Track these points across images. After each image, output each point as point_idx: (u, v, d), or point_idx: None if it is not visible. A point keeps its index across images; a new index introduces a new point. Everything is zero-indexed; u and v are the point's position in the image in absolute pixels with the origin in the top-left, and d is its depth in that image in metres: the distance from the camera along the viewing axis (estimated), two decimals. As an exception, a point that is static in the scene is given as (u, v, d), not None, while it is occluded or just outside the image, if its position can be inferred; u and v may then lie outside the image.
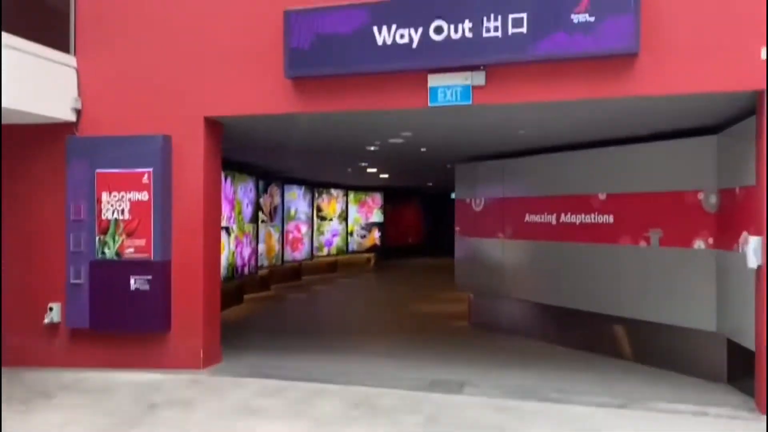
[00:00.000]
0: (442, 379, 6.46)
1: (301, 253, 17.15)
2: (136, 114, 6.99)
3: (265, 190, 14.74)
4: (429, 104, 6.13)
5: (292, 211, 16.74)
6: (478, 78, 5.98)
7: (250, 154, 10.65)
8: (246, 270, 12.75)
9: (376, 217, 21.54)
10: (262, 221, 14.57)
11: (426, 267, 21.59)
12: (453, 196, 25.85)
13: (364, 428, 4.91)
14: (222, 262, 10.96)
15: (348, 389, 6.01)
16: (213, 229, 7.25)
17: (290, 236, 16.68)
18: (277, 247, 15.41)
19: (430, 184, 19.16)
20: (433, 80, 6.09)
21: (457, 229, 10.49)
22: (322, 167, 13.13)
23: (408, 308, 12.27)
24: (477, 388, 6.15)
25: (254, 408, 5.43)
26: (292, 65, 6.35)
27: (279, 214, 15.49)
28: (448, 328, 10.15)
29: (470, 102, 6.02)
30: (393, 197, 23.04)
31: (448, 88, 6.06)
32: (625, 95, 5.74)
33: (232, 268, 11.85)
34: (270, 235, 15.06)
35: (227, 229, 11.56)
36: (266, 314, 11.70)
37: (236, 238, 12.07)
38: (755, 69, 5.36)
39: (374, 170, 13.61)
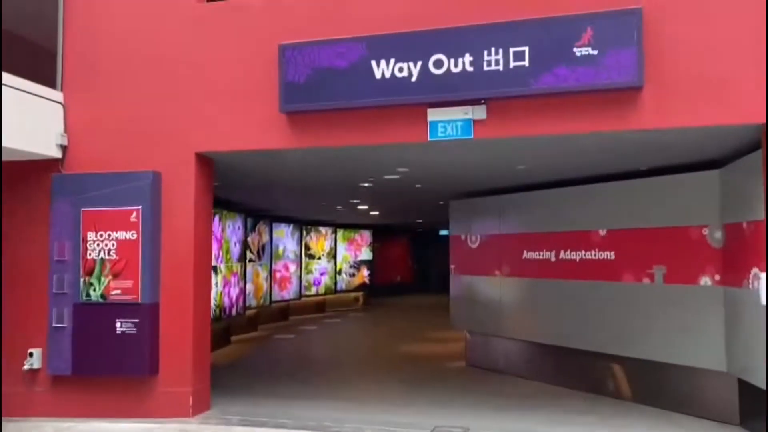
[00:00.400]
0: (444, 426, 6.16)
1: (289, 293, 16.81)
2: (125, 149, 6.77)
3: (253, 228, 14.48)
4: (428, 139, 5.98)
5: (280, 250, 16.46)
6: (479, 112, 5.85)
7: (239, 191, 10.43)
8: (234, 310, 12.39)
9: (365, 254, 21.29)
10: (250, 260, 14.27)
11: (416, 305, 21.28)
12: (443, 233, 25.91)
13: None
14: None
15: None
16: (204, 270, 6.97)
17: (278, 275, 16.35)
18: (265, 286, 15.07)
19: (420, 221, 18.99)
20: (433, 114, 5.95)
21: (452, 266, 10.27)
22: (313, 205, 12.92)
23: (401, 349, 11.95)
24: (482, 434, 5.88)
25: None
26: (288, 99, 6.19)
27: (267, 253, 15.20)
28: (444, 369, 9.85)
29: (471, 136, 5.88)
30: (382, 235, 22.83)
31: (448, 122, 5.92)
32: (629, 129, 5.63)
33: (220, 308, 11.49)
34: (258, 274, 14.74)
35: (215, 269, 11.25)
36: (255, 356, 11.32)
37: (224, 277, 11.75)
38: (759, 102, 5.28)
39: (365, 207, 13.42)
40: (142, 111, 6.78)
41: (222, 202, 11.58)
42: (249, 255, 14.22)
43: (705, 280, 6.64)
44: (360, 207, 13.38)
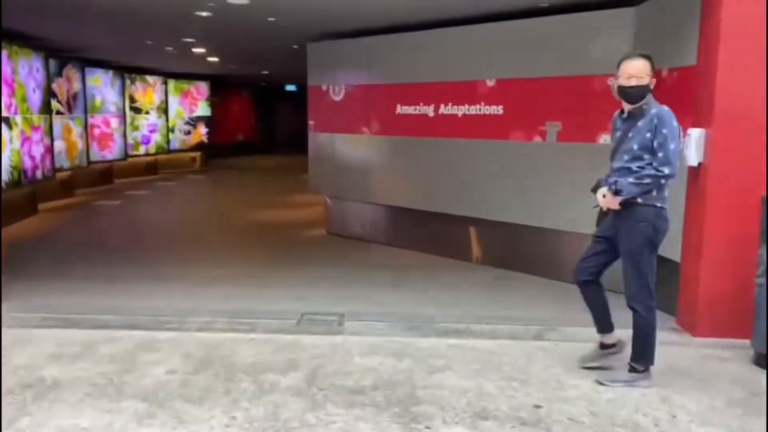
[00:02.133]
0: (315, 313, 5.02)
1: (112, 153, 14.44)
2: None
3: (59, 73, 11.75)
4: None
5: (98, 101, 13.82)
6: None
7: (34, 18, 7.91)
8: (40, 173, 10.09)
9: (202, 110, 18.95)
10: (58, 112, 11.70)
11: (262, 167, 19.72)
12: (289, 87, 23.90)
13: (225, 400, 3.35)
14: (2, 164, 8.40)
15: (189, 337, 4.35)
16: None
17: (96, 131, 13.85)
18: (80, 144, 12.63)
19: (266, 72, 16.93)
20: None
21: (310, 122, 8.82)
22: (136, 43, 10.51)
23: (249, 216, 10.58)
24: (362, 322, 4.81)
25: (52, 381, 3.61)
26: None
27: (80, 104, 12.60)
28: (303, 239, 8.71)
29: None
30: (221, 88, 20.42)
31: None
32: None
33: (18, 171, 9.20)
34: (69, 129, 12.23)
35: (7, 121, 8.82)
36: (68, 228, 9.38)
37: (21, 132, 9.33)
38: None
39: (202, 50, 11.24)
40: None
41: (13, 35, 8.90)
42: (57, 106, 11.61)
43: (605, 138, 5.87)
44: (196, 50, 11.17)
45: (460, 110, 6.99)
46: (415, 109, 7.40)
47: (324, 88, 8.49)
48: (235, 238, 8.99)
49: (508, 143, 6.61)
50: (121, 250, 7.87)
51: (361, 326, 4.60)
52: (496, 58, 6.67)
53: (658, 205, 3.48)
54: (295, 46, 10.25)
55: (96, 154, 13.79)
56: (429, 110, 7.27)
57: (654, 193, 3.46)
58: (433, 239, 7.56)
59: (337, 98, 8.32)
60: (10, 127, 8.91)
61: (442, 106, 7.14)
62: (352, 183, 8.22)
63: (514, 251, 6.88)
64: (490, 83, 6.72)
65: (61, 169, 11.74)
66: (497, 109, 6.70)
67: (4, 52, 8.80)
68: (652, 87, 3.51)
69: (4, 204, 8.77)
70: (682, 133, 3.61)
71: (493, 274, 6.74)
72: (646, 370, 3.58)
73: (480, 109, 6.82)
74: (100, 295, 5.63)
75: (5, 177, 8.74)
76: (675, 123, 3.45)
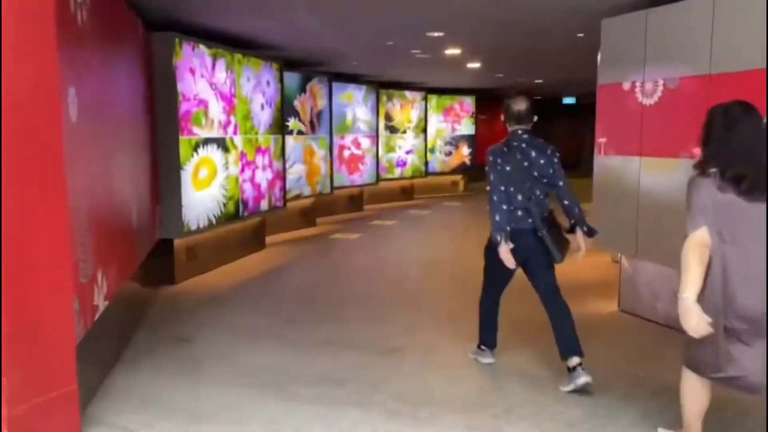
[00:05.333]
0: None
1: (362, 176, 12.92)
2: None
3: (303, 88, 10.43)
4: None
5: (348, 119, 12.40)
6: None
7: (254, 21, 6.32)
8: (266, 203, 8.68)
9: (466, 128, 16.80)
10: (300, 132, 10.38)
11: (529, 193, 16.81)
12: (567, 100, 20.67)
13: None
14: (216, 192, 7.03)
15: None
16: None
17: (345, 153, 12.43)
18: (323, 167, 11.23)
19: (540, 81, 14.10)
20: None
21: (600, 141, 5.78)
22: (375, 45, 8.58)
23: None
24: None
25: None
26: None
27: (325, 123, 11.21)
28: (578, 318, 5.68)
29: None
30: (487, 103, 18.15)
31: None
32: None
33: (236, 202, 7.79)
34: (312, 151, 10.87)
35: (222, 143, 7.44)
36: (279, 273, 7.64)
37: (242, 156, 7.94)
38: None
39: (456, 51, 8.89)
40: None
41: (236, 40, 7.55)
42: (298, 125, 10.31)
43: None
44: (449, 52, 8.87)
45: None
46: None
47: (626, 86, 5.40)
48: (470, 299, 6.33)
49: None
50: (322, 302, 5.80)
51: None
52: None
53: None
54: (581, 34, 7.32)
55: (344, 177, 12.40)
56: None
57: None
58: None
59: (649, 101, 5.17)
60: (226, 150, 7.52)
61: None
62: (678, 238, 4.98)
63: None
64: None
65: (299, 197, 10.40)
66: None
67: (221, 61, 7.44)
68: None
69: (209, 241, 7.40)
70: None
71: None
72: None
73: None
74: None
75: (216, 210, 7.35)
76: None
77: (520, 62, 10.50)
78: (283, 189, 9.25)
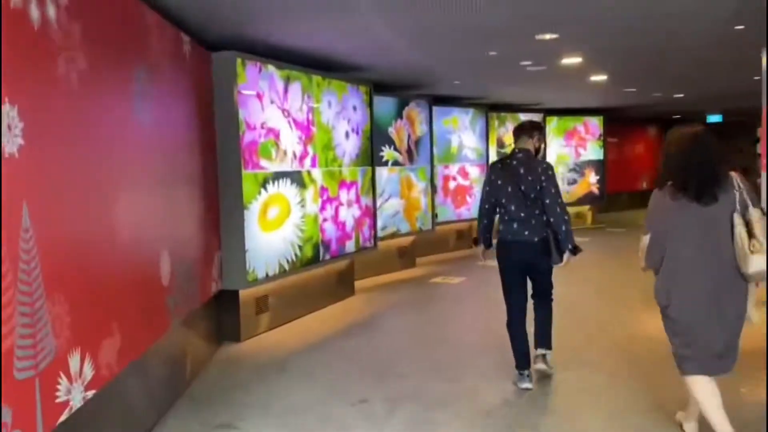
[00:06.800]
0: None
1: (470, 210, 11.56)
2: None
3: (399, 114, 9.36)
4: None
5: (453, 146, 11.16)
6: None
7: (333, 39, 5.33)
8: (353, 244, 7.60)
9: (593, 153, 14.96)
10: (396, 163, 9.30)
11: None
12: (712, 119, 18.14)
13: None
14: (290, 233, 6.07)
15: None
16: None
17: (451, 184, 11.16)
18: (423, 201, 10.03)
19: (681, 95, 12.09)
20: None
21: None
22: (473, 58, 7.32)
23: (641, 329, 6.12)
24: None
25: None
26: None
27: (424, 151, 10.02)
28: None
29: None
30: (618, 124, 16.17)
31: None
32: None
33: (314, 245, 6.76)
34: (410, 184, 9.71)
35: (297, 177, 6.46)
36: (362, 327, 6.46)
37: (323, 191, 6.93)
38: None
39: (576, 60, 7.41)
40: None
41: (306, 59, 6.61)
42: (394, 155, 9.23)
43: None
44: (567, 61, 7.41)
45: None
46: None
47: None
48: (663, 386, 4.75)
49: None
50: (406, 374, 4.53)
51: None
52: None
53: None
54: (739, 27, 5.66)
55: (449, 211, 11.12)
56: None
57: None
58: None
59: None
60: (302, 185, 6.54)
61: None
62: None
63: None
64: None
65: (395, 234, 9.26)
66: None
67: (297, 84, 6.50)
68: None
69: (283, 290, 6.36)
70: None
71: None
72: None
73: None
74: None
75: (293, 254, 6.34)
76: None
77: (655, 72, 8.77)
78: (374, 227, 8.14)
